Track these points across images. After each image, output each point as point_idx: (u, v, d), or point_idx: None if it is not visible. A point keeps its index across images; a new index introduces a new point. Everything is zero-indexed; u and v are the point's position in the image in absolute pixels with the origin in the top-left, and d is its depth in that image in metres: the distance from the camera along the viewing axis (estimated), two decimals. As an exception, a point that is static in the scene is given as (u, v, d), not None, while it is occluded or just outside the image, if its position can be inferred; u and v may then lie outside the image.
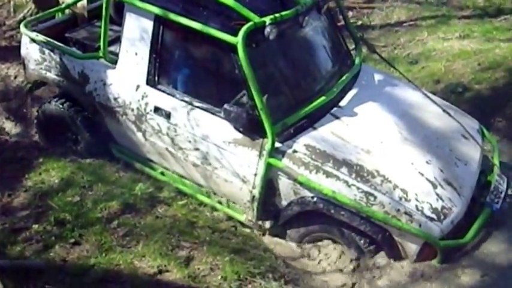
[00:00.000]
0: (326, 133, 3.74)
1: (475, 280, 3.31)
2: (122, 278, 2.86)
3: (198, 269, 3.03)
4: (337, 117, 3.88)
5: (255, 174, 3.73)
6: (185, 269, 2.98)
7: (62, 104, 4.53)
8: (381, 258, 3.54)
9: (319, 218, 3.69)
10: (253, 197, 3.79)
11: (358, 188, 3.48)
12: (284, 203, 3.77)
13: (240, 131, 3.66)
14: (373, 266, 3.50)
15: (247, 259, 3.25)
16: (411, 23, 6.91)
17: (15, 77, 5.87)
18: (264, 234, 3.87)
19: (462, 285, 3.32)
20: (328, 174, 3.54)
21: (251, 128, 3.61)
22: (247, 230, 3.77)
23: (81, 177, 3.79)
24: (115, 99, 4.17)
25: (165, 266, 2.97)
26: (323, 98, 3.86)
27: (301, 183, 3.59)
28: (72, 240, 3.17)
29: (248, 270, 3.11)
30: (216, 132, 3.75)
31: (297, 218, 3.77)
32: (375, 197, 3.46)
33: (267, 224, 3.89)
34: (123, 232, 3.25)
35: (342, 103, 3.99)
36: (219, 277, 2.98)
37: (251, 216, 3.89)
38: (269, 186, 3.74)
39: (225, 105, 3.53)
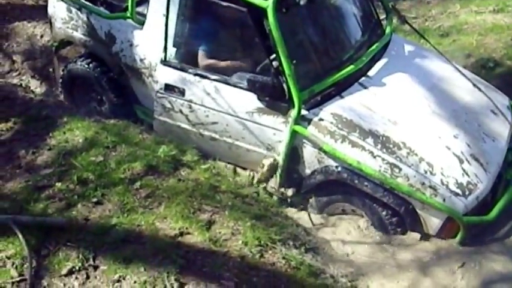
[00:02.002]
0: (353, 102, 3.68)
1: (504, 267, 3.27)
2: (143, 239, 2.87)
3: (219, 233, 3.02)
4: (365, 87, 3.81)
5: (280, 142, 3.70)
6: (206, 233, 2.97)
7: (88, 64, 4.52)
8: (407, 235, 3.49)
9: (343, 187, 3.65)
10: (277, 163, 3.77)
11: (383, 159, 3.43)
12: (308, 171, 3.74)
13: (265, 101, 3.61)
14: (398, 241, 3.46)
15: (268, 225, 3.23)
16: (443, -6, 6.72)
17: (42, 36, 5.84)
18: (286, 202, 3.85)
19: (492, 270, 3.28)
20: (353, 144, 3.49)
21: (277, 96, 3.57)
22: (269, 197, 3.74)
23: (105, 138, 3.79)
24: (141, 60, 4.14)
25: (186, 228, 2.97)
26: (351, 66, 3.78)
27: (325, 152, 3.55)
28: (95, 200, 3.18)
29: (269, 237, 3.10)
30: (237, 104, 3.71)
31: (320, 187, 3.74)
32: (400, 169, 3.41)
33: (290, 192, 3.86)
34: (146, 193, 3.25)
35: (371, 73, 3.91)
36: (240, 242, 2.97)
37: (274, 184, 3.88)
38: (293, 154, 3.71)
39: (248, 76, 3.49)
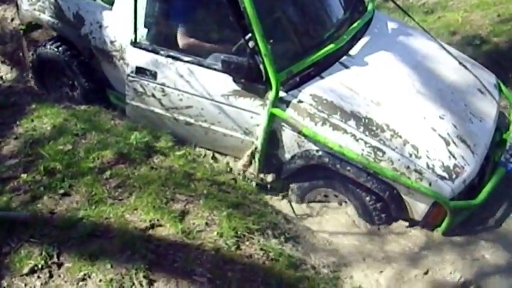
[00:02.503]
0: (334, 83, 3.51)
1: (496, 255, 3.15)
2: (112, 233, 2.69)
3: (193, 224, 2.85)
4: (347, 67, 3.63)
5: (258, 125, 3.53)
6: (179, 224, 2.80)
7: (58, 47, 4.30)
8: (395, 224, 3.36)
9: (324, 172, 3.50)
10: (255, 148, 3.60)
11: (366, 143, 3.27)
12: (287, 156, 3.58)
13: (240, 82, 3.43)
14: (385, 231, 3.33)
15: (246, 214, 3.07)
16: (429, -30, 6.54)
17: (12, 20, 5.58)
18: (265, 188, 3.69)
19: (483, 260, 3.16)
20: (334, 127, 3.32)
21: (253, 78, 3.38)
22: (248, 184, 3.57)
23: (75, 125, 3.59)
24: (111, 42, 3.92)
25: (157, 220, 2.80)
26: (332, 45, 3.60)
27: (305, 136, 3.38)
28: (62, 191, 2.99)
29: (246, 226, 2.93)
30: (212, 87, 3.53)
31: (300, 172, 3.58)
32: (384, 153, 3.25)
33: (269, 178, 3.71)
34: (116, 183, 3.06)
35: (352, 52, 3.73)
36: (215, 233, 2.81)
37: (253, 169, 3.72)
38: (272, 138, 3.54)
39: (223, 57, 3.30)
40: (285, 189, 3.71)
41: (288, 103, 3.41)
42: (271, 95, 3.35)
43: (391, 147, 3.26)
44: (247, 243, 2.85)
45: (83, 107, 3.94)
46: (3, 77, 5.09)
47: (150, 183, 3.09)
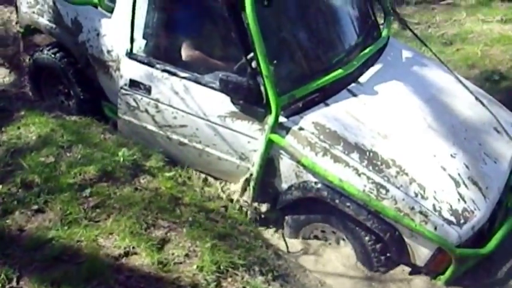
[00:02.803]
0: (339, 111, 3.27)
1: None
2: (80, 258, 2.45)
3: (172, 254, 2.60)
4: (354, 95, 3.40)
5: (255, 151, 3.29)
6: (156, 254, 2.55)
7: (55, 53, 4.12)
8: (396, 270, 3.09)
9: (322, 206, 3.24)
10: (251, 175, 3.36)
11: (368, 178, 3.02)
12: (284, 186, 3.33)
13: (239, 104, 3.21)
14: (386, 277, 3.06)
15: (232, 247, 2.82)
16: (449, 1, 6.34)
17: (17, 23, 5.44)
18: (260, 220, 3.44)
19: None
20: (336, 159, 3.08)
21: (253, 100, 3.15)
22: (240, 214, 3.32)
23: (61, 136, 3.38)
24: (108, 52, 3.73)
25: (133, 247, 2.55)
26: (340, 71, 3.37)
27: (304, 166, 3.14)
28: (35, 207, 2.77)
29: (231, 261, 2.68)
30: (208, 107, 3.31)
31: (297, 204, 3.33)
32: (387, 190, 2.99)
33: (263, 208, 3.46)
34: (94, 203, 2.83)
35: (362, 79, 3.50)
36: (195, 266, 2.55)
37: (246, 197, 3.47)
38: (269, 166, 3.30)
39: (221, 75, 3.08)
40: (280, 222, 3.46)
41: (287, 130, 3.17)
42: (270, 119, 3.12)
43: (396, 185, 3.00)
44: (229, 279, 2.59)
45: (73, 118, 3.74)
46: (2, 80, 4.92)
47: (131, 206, 2.86)
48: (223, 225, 3.03)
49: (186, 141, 3.48)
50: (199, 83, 3.29)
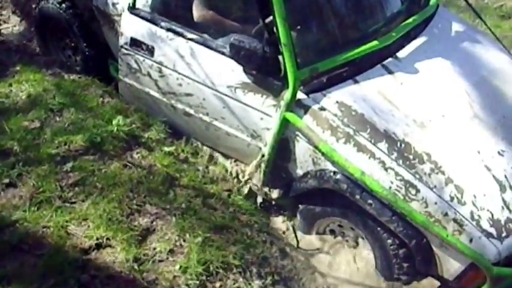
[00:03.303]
0: (370, 91, 2.78)
1: None
2: (42, 249, 2.09)
3: (154, 249, 2.22)
4: (390, 72, 2.89)
5: (268, 129, 2.85)
6: (134, 248, 2.17)
7: (60, 3, 3.72)
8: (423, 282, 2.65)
9: (341, 199, 2.79)
10: (262, 156, 2.93)
11: (397, 174, 2.54)
12: (299, 172, 2.89)
13: (251, 74, 2.75)
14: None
15: (230, 242, 2.42)
16: (511, -32, 5.60)
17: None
18: (269, 207, 3.03)
19: None
20: (360, 148, 2.60)
21: (268, 71, 2.69)
22: (244, 200, 2.90)
23: (53, 97, 3.02)
24: (113, 5, 3.29)
25: (107, 239, 2.18)
26: (375, 42, 2.85)
27: (322, 153, 2.69)
28: (7, 181, 2.42)
29: (224, 260, 2.29)
30: (217, 75, 2.87)
31: (313, 193, 2.90)
32: (418, 190, 2.51)
33: (275, 194, 3.03)
34: (74, 180, 2.47)
35: (401, 54, 2.98)
36: (177, 266, 2.16)
37: (256, 180, 3.06)
38: (283, 148, 2.86)
39: (233, 39, 2.61)
40: (292, 212, 3.04)
41: (306, 108, 2.71)
42: (286, 95, 2.66)
43: (428, 185, 2.52)
44: (217, 284, 2.20)
45: (72, 77, 3.36)
46: (11, 29, 4.57)
47: (116, 186, 2.48)
48: (222, 214, 2.62)
49: (191, 111, 3.06)
50: (208, 47, 2.84)
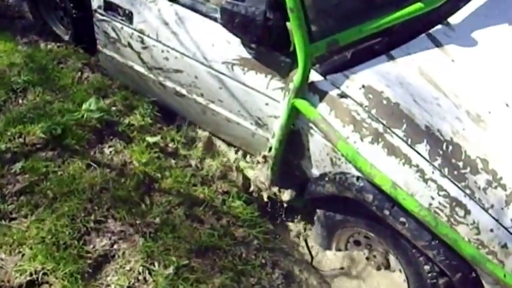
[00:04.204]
0: (410, 70, 2.10)
1: None
2: None
3: (107, 286, 1.70)
4: (438, 44, 2.20)
5: (275, 118, 2.24)
6: (83, 287, 1.66)
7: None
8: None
9: (367, 208, 2.17)
10: (270, 149, 2.33)
11: (440, 188, 1.88)
12: (315, 172, 2.28)
13: (251, 48, 2.11)
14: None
15: (215, 270, 1.86)
16: None
17: None
18: (278, 213, 2.45)
19: None
20: (392, 150, 1.95)
21: (272, 44, 2.05)
22: (244, 205, 2.31)
23: (18, 74, 2.49)
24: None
25: (45, 274, 1.66)
26: (419, 5, 2.14)
27: (343, 154, 2.05)
28: None
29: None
30: (210, 48, 2.24)
31: (332, 198, 2.29)
32: (467, 211, 1.85)
33: (286, 195, 2.45)
34: (20, 186, 1.94)
35: (453, 19, 2.27)
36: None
37: (264, 178, 2.47)
38: (294, 141, 2.25)
39: (225, 2, 1.96)
40: (307, 218, 2.45)
41: (322, 94, 2.06)
42: (296, 76, 2.01)
43: (483, 204, 1.85)
44: None
45: (50, 46, 2.81)
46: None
47: (71, 195, 1.94)
48: (210, 229, 2.05)
49: (184, 91, 2.46)
50: (198, 12, 2.21)
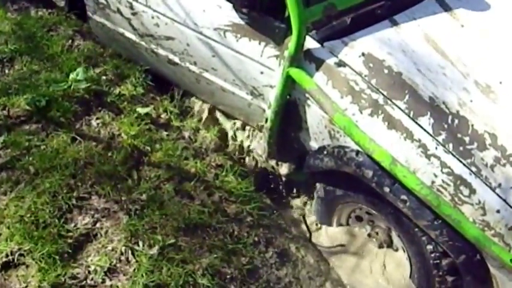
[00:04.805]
0: (414, 36, 1.95)
1: None
2: None
3: (87, 268, 1.60)
4: (447, 8, 2.02)
5: (271, 87, 2.10)
6: (58, 268, 1.56)
7: None
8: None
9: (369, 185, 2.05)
10: (266, 120, 2.21)
11: (443, 165, 1.75)
12: (313, 144, 2.16)
13: (243, 13, 1.97)
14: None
15: (204, 249, 1.77)
16: None
17: None
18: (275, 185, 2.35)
19: None
20: (392, 123, 1.81)
21: (265, 8, 1.91)
22: (237, 180, 2.20)
23: (5, 43, 2.38)
24: None
25: (21, 254, 1.59)
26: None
27: (340, 127, 1.92)
28: None
29: (187, 282, 1.66)
30: (200, 14, 2.10)
31: (332, 171, 2.17)
32: (473, 190, 1.72)
33: (284, 169, 2.34)
34: (1, 161, 1.86)
35: (465, -20, 2.08)
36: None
37: (261, 150, 2.36)
38: (291, 112, 2.12)
39: None
40: (307, 192, 2.35)
41: (319, 63, 1.92)
42: (290, 43, 1.87)
43: (490, 183, 1.71)
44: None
45: (42, 12, 2.69)
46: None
47: (54, 170, 1.86)
48: (200, 205, 1.96)
49: (176, 59, 2.34)
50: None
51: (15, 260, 1.59)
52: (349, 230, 2.29)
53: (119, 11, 2.33)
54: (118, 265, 1.66)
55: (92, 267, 1.63)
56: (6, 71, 2.28)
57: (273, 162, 2.35)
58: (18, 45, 2.38)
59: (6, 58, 2.32)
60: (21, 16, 2.62)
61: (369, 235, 2.27)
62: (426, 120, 1.79)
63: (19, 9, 2.70)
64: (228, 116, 2.52)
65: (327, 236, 2.27)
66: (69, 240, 1.68)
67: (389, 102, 1.83)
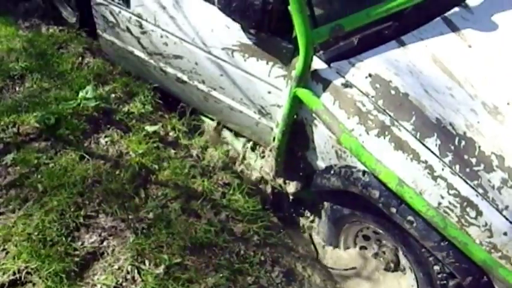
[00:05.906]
0: (421, 57, 1.95)
1: None
2: None
3: (93, 286, 1.63)
4: (455, 28, 2.03)
5: (278, 107, 2.12)
6: (64, 287, 1.59)
7: None
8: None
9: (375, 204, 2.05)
10: (273, 139, 2.22)
11: (450, 186, 1.74)
12: (320, 164, 2.16)
13: (251, 34, 1.99)
14: None
15: (210, 268, 1.78)
16: None
17: None
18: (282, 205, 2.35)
19: None
20: (399, 145, 1.81)
21: (272, 29, 1.92)
22: (244, 199, 2.21)
23: (17, 60, 2.42)
24: None
25: (28, 273, 1.60)
26: (433, -15, 1.98)
27: (346, 148, 1.92)
28: None
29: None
30: (209, 33, 2.12)
31: (339, 190, 2.17)
32: (479, 212, 1.71)
33: (291, 187, 2.34)
34: (11, 179, 1.87)
35: (472, 0, 2.08)
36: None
37: (268, 168, 2.36)
38: (298, 132, 2.13)
39: None
40: (314, 209, 2.35)
41: (325, 83, 1.93)
42: (298, 63, 1.88)
43: (497, 205, 1.71)
44: None
45: (52, 30, 2.73)
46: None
47: (62, 188, 1.87)
48: (207, 224, 1.96)
49: (185, 78, 2.36)
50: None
51: (22, 278, 1.61)
52: (358, 252, 2.28)
53: (128, 29, 2.36)
54: (124, 284, 1.66)
55: (98, 286, 1.64)
56: (17, 88, 2.31)
57: (280, 181, 2.36)
58: (29, 63, 2.42)
59: (17, 75, 2.36)
60: (32, 33, 2.67)
61: (376, 254, 2.27)
62: (433, 142, 1.79)
63: (30, 27, 2.74)
64: (237, 135, 2.54)
65: (335, 256, 2.27)
66: (76, 259, 1.69)
67: (396, 123, 1.83)
